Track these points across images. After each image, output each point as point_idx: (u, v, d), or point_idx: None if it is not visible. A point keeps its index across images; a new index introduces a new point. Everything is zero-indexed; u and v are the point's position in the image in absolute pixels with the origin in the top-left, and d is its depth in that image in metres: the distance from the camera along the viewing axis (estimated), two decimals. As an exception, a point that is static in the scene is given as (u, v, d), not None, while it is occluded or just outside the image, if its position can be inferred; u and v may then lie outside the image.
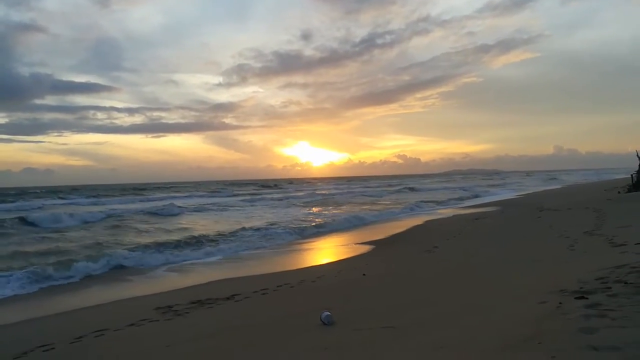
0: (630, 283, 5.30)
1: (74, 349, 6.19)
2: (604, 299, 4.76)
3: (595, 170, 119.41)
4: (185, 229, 22.07)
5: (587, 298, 4.92)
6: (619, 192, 25.72)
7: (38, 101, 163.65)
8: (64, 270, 12.13)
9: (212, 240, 17.31)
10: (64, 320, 8.12)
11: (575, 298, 5.00)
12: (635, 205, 17.16)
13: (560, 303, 4.90)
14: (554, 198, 30.06)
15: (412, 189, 60.38)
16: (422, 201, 35.35)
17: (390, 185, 77.46)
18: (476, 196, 43.45)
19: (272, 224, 22.09)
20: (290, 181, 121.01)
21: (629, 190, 26.04)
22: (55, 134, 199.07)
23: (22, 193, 67.75)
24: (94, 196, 58.74)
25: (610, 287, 5.22)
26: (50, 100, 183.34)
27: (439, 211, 28.63)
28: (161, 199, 49.33)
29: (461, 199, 39.94)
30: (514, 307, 5.34)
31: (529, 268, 8.25)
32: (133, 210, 31.23)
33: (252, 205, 38.27)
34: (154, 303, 8.49)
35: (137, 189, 76.87)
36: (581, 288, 5.39)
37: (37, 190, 78.19)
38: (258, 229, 20.02)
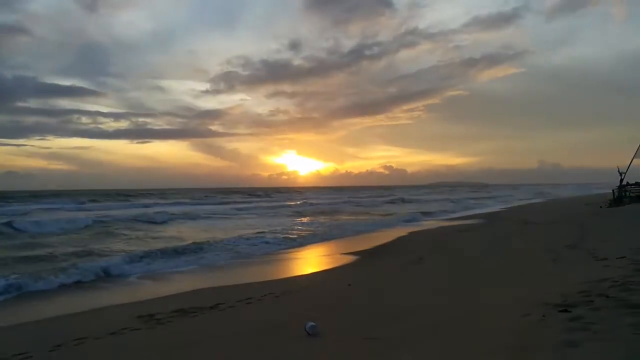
0: (612, 297, 5.37)
1: (52, 358, 6.05)
2: (587, 313, 4.82)
3: (579, 185, 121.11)
4: (175, 236, 21.77)
5: (570, 311, 4.97)
6: (600, 207, 26.16)
7: (21, 104, 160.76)
8: (45, 277, 11.87)
9: (199, 249, 17.13)
10: (43, 328, 7.93)
11: (559, 311, 5.04)
12: (617, 220, 17.47)
13: (543, 316, 4.94)
14: (538, 212, 30.44)
15: (403, 200, 60.05)
16: (418, 212, 35.55)
17: (380, 196, 77.39)
18: (468, 208, 43.62)
19: (261, 233, 21.96)
20: (279, 190, 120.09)
21: (610, 205, 26.53)
22: (38, 137, 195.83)
23: (5, 197, 66.13)
24: (82, 202, 57.76)
25: (592, 301, 5.29)
26: (33, 103, 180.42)
27: (425, 222, 28.76)
28: (150, 206, 48.70)
29: (453, 210, 40.16)
30: (498, 319, 5.36)
31: (513, 281, 8.31)
32: (122, 217, 30.73)
33: (241, 214, 37.82)
34: (136, 311, 8.34)
35: (123, 195, 75.50)
36: (564, 301, 5.45)
37: (26, 194, 76.43)
38: (247, 238, 19.88)
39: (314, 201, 60.31)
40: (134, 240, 20.60)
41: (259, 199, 69.92)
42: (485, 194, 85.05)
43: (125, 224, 27.52)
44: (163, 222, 29.50)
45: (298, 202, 57.43)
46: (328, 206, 47.59)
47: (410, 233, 21.96)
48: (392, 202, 57.11)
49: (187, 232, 23.87)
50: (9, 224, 24.65)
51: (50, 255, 16.08)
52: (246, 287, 10.70)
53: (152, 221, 29.43)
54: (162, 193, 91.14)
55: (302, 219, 33.52)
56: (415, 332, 5.43)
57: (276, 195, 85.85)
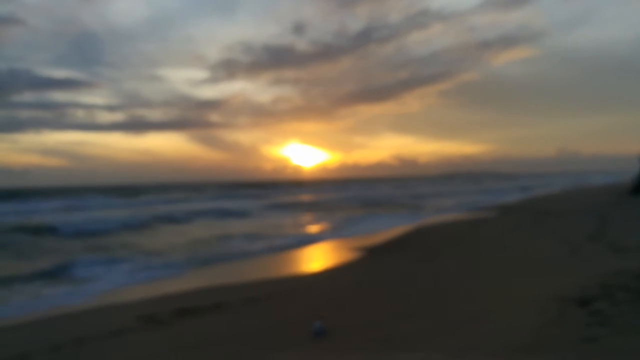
0: (633, 289, 5.33)
1: (53, 359, 6.12)
2: (606, 306, 4.80)
3: (600, 173, 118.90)
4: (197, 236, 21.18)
5: (589, 305, 4.94)
6: (620, 196, 25.94)
7: (15, 97, 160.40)
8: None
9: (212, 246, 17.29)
10: (43, 329, 8.01)
11: (577, 305, 5.01)
12: (638, 209, 17.32)
13: (561, 310, 4.91)
14: (556, 202, 30.27)
15: (441, 193, 55.94)
16: (464, 203, 35.35)
17: (406, 187, 75.08)
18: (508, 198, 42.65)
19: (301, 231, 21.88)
20: (298, 184, 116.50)
21: (631, 194, 26.28)
22: (33, 131, 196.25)
23: (11, 195, 65.58)
24: (105, 199, 57.59)
25: (612, 294, 5.26)
26: (28, 96, 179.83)
27: (438, 216, 28.64)
28: (175, 202, 47.32)
29: (509, 199, 39.62)
30: (514, 314, 5.35)
31: (530, 274, 8.28)
32: (170, 213, 30.61)
33: (287, 210, 36.65)
34: (136, 311, 8.40)
35: (131, 190, 74.80)
36: (583, 295, 5.42)
37: (33, 192, 75.82)
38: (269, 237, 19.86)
39: (347, 194, 57.88)
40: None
41: (281, 194, 66.63)
42: (513, 183, 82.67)
43: (155, 224, 27.40)
44: (189, 221, 28.95)
45: (332, 196, 54.62)
46: (375, 199, 45.17)
47: (424, 227, 21.91)
48: (432, 194, 52.99)
49: (213, 231, 23.28)
50: (53, 228, 22.88)
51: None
52: (250, 285, 10.74)
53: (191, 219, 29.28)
54: (169, 188, 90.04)
55: (346, 213, 31.55)
56: (428, 330, 5.44)
57: (295, 190, 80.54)
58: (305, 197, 54.77)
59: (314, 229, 23.23)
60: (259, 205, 40.69)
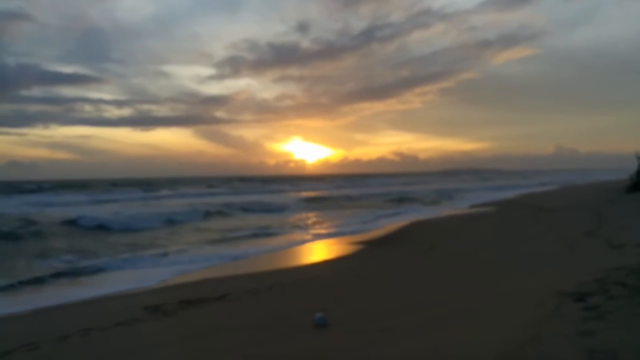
0: (629, 285, 5.34)
1: (60, 348, 6.16)
2: (602, 301, 4.80)
3: (599, 171, 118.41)
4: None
5: (585, 300, 4.95)
6: (618, 193, 25.90)
7: (24, 92, 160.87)
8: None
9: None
10: (49, 319, 8.06)
11: (573, 300, 5.02)
12: (634, 207, 17.32)
13: (558, 305, 4.93)
14: (553, 198, 30.25)
15: (458, 190, 52.94)
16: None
17: (413, 183, 74.19)
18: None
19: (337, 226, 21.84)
20: (308, 178, 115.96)
21: (628, 191, 26.24)
22: (41, 126, 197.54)
23: (41, 188, 65.07)
24: (149, 190, 57.92)
25: (608, 289, 5.26)
26: (36, 91, 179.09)
27: (438, 211, 28.65)
28: (204, 195, 48.65)
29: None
30: (510, 309, 5.36)
31: (526, 270, 8.28)
32: (217, 206, 31.32)
33: (322, 204, 36.06)
34: (142, 302, 8.45)
35: (143, 185, 74.63)
36: (579, 290, 5.42)
37: (49, 185, 75.64)
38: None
39: (372, 190, 57.37)
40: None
41: (303, 189, 66.95)
42: (520, 180, 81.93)
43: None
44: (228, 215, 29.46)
45: (358, 191, 53.76)
46: (401, 194, 44.28)
47: (422, 222, 21.93)
48: (455, 190, 51.61)
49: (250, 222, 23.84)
50: (71, 222, 22.73)
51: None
52: (253, 277, 10.78)
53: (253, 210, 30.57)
54: (180, 182, 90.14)
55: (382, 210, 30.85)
56: (427, 323, 5.45)
57: (313, 185, 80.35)
58: (330, 193, 53.72)
59: (354, 222, 23.22)
60: (292, 200, 40.40)
